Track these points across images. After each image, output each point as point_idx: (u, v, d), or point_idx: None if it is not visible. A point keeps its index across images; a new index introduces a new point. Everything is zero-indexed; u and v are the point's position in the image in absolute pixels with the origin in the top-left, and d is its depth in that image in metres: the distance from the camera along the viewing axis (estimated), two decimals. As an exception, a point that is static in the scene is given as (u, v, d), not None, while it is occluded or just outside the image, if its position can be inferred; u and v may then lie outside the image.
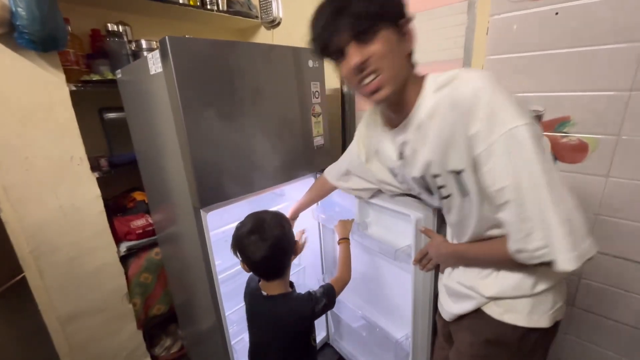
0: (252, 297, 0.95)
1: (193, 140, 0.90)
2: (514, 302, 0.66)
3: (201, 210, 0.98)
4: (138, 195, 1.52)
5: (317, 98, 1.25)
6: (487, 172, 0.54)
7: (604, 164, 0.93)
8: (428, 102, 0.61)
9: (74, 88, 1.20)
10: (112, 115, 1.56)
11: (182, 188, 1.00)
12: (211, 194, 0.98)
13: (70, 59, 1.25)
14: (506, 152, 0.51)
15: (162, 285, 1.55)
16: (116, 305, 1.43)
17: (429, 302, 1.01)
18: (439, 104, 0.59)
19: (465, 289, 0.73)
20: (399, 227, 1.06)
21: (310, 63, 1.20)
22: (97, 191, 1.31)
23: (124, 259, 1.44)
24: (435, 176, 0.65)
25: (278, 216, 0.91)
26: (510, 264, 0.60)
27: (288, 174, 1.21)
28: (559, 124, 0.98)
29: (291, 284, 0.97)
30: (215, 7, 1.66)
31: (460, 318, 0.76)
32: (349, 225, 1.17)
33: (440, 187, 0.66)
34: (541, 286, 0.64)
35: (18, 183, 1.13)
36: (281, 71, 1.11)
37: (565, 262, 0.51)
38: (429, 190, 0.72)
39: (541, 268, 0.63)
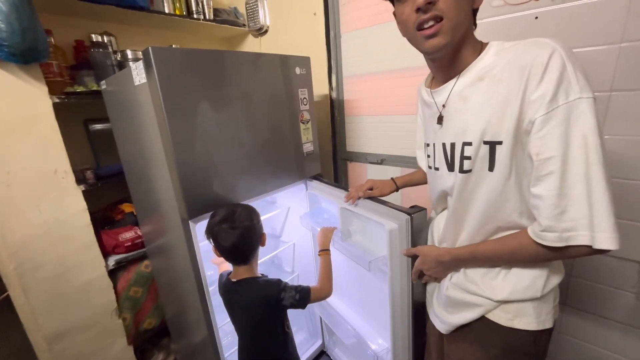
0: (224, 288, 1.01)
1: (179, 150, 0.89)
2: (523, 305, 0.63)
3: (189, 222, 0.97)
4: (126, 207, 1.49)
5: (305, 105, 1.25)
6: (539, 138, 0.52)
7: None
8: (485, 61, 0.59)
9: (57, 100, 1.18)
10: (97, 126, 1.54)
11: (170, 199, 0.99)
12: (199, 204, 0.96)
13: (53, 70, 1.23)
14: (566, 120, 0.49)
15: (152, 299, 1.51)
16: (105, 321, 1.39)
17: (407, 316, 0.96)
18: (498, 64, 0.57)
19: (468, 296, 0.69)
20: (381, 237, 1.00)
21: (298, 70, 1.20)
22: (83, 204, 1.28)
23: (113, 273, 1.40)
24: (467, 144, 0.61)
25: (248, 209, 0.98)
26: (528, 255, 0.58)
27: (277, 181, 1.20)
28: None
29: (263, 275, 1.02)
30: (202, 16, 1.66)
31: (459, 329, 0.72)
32: (330, 234, 1.13)
33: (465, 158, 0.62)
34: (550, 285, 0.63)
35: (1, 199, 1.09)
36: (268, 79, 1.11)
37: (609, 240, 0.49)
38: (450, 164, 0.67)
39: (552, 263, 0.64)
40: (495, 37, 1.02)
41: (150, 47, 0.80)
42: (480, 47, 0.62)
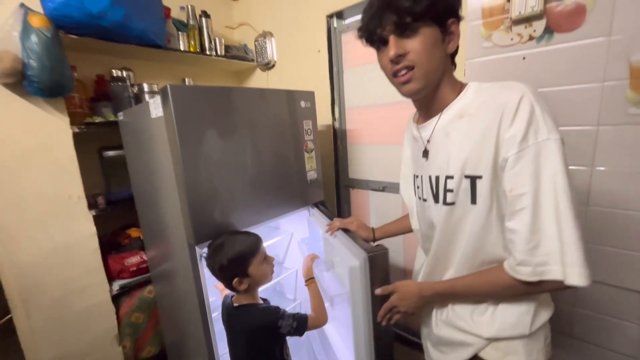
0: (226, 311, 1.02)
1: (190, 178, 0.94)
2: (513, 343, 0.63)
3: (196, 247, 1.00)
4: (133, 232, 1.52)
5: (309, 135, 1.31)
6: (512, 175, 0.55)
7: (581, 194, 0.98)
8: (465, 100, 0.63)
9: (77, 130, 1.26)
10: (110, 153, 1.61)
11: (178, 224, 1.02)
12: (206, 230, 1.00)
13: (75, 102, 1.32)
14: (536, 159, 0.53)
15: (153, 326, 1.50)
16: (105, 347, 1.38)
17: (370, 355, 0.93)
18: (475, 104, 0.61)
19: (459, 334, 0.69)
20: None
21: (303, 103, 1.27)
22: (93, 229, 1.32)
23: (116, 298, 1.41)
24: (449, 177, 0.63)
25: (238, 243, 0.96)
26: (504, 289, 0.59)
27: (282, 208, 1.24)
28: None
29: (265, 300, 1.05)
30: (214, 52, 1.78)
31: None
32: (310, 262, 1.13)
33: (448, 191, 0.64)
34: (538, 322, 0.63)
35: (13, 222, 1.14)
36: (276, 112, 1.18)
37: (578, 276, 0.51)
38: (435, 196, 0.68)
39: (540, 299, 0.64)
40: (487, 74, 1.10)
41: (168, 85, 0.87)
42: (460, 87, 0.66)
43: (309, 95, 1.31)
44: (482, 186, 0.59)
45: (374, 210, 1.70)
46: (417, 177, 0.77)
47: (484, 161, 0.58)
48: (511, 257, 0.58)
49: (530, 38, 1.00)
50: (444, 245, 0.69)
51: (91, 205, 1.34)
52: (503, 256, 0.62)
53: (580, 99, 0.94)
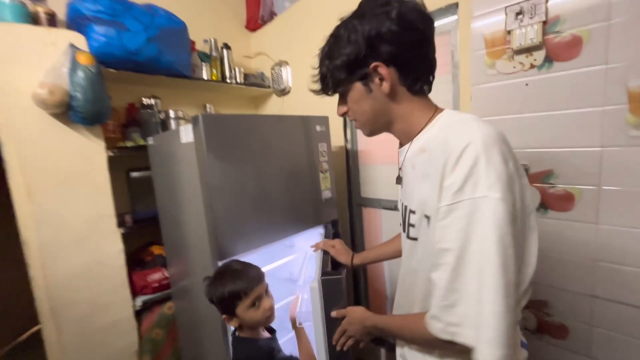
0: (232, 338, 0.99)
1: (216, 198, 1.01)
2: None
3: (219, 262, 1.06)
4: (156, 249, 1.60)
5: (324, 157, 1.39)
6: (442, 227, 0.51)
7: (591, 211, 1.01)
8: (429, 134, 0.59)
9: (111, 154, 1.37)
10: (137, 174, 1.72)
11: (202, 241, 1.09)
12: (229, 247, 1.06)
13: (109, 129, 1.45)
14: (469, 215, 0.48)
15: (171, 343, 1.54)
16: (125, 363, 1.42)
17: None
18: (436, 140, 0.56)
19: None
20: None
21: (318, 128, 1.36)
22: (121, 246, 1.40)
23: (137, 314, 1.46)
24: (412, 212, 0.60)
25: (228, 282, 0.89)
26: (421, 338, 0.56)
27: (298, 225, 1.30)
28: (544, 176, 1.08)
29: (272, 331, 1.00)
30: (234, 80, 1.92)
31: None
32: (294, 306, 1.08)
33: (410, 225, 0.61)
34: None
35: (52, 240, 1.23)
36: (292, 136, 1.27)
37: (489, 356, 0.46)
38: (404, 226, 0.65)
39: None
40: (492, 98, 1.16)
41: (200, 115, 0.97)
42: (433, 113, 0.62)
43: (324, 120, 1.40)
44: (434, 227, 0.55)
45: (386, 228, 1.74)
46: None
47: (433, 204, 0.54)
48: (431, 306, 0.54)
49: (532, 66, 1.07)
50: (407, 279, 0.67)
51: (119, 223, 1.43)
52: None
53: (583, 122, 0.99)
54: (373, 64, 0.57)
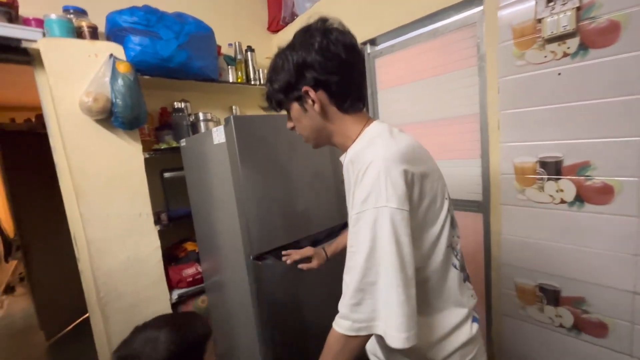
0: None
1: (247, 196, 1.06)
2: None
3: (251, 258, 1.11)
4: (189, 246, 1.68)
5: (348, 154, 1.41)
6: (352, 232, 0.59)
7: (632, 204, 0.97)
8: (357, 147, 0.66)
9: (147, 156, 1.46)
10: (169, 174, 1.82)
11: (234, 238, 1.15)
12: (259, 243, 1.11)
13: (145, 132, 1.54)
14: (372, 222, 0.55)
15: (206, 333, 1.62)
16: (165, 352, 1.51)
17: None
18: (351, 158, 0.66)
19: None
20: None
21: (342, 125, 1.38)
22: (158, 242, 1.49)
23: (174, 306, 1.55)
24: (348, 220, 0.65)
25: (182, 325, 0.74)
26: (335, 343, 0.60)
27: (323, 222, 1.33)
28: (580, 168, 1.04)
29: None
30: (258, 82, 1.97)
31: None
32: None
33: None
34: None
35: (99, 237, 1.33)
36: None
37: (397, 340, 0.54)
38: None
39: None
40: (521, 90, 1.13)
41: (231, 117, 1.02)
42: (364, 125, 0.68)
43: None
44: None
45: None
46: None
47: (350, 212, 0.64)
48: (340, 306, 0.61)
49: (565, 55, 1.03)
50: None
51: (156, 221, 1.52)
52: None
53: (622, 110, 0.95)
54: (304, 89, 0.64)
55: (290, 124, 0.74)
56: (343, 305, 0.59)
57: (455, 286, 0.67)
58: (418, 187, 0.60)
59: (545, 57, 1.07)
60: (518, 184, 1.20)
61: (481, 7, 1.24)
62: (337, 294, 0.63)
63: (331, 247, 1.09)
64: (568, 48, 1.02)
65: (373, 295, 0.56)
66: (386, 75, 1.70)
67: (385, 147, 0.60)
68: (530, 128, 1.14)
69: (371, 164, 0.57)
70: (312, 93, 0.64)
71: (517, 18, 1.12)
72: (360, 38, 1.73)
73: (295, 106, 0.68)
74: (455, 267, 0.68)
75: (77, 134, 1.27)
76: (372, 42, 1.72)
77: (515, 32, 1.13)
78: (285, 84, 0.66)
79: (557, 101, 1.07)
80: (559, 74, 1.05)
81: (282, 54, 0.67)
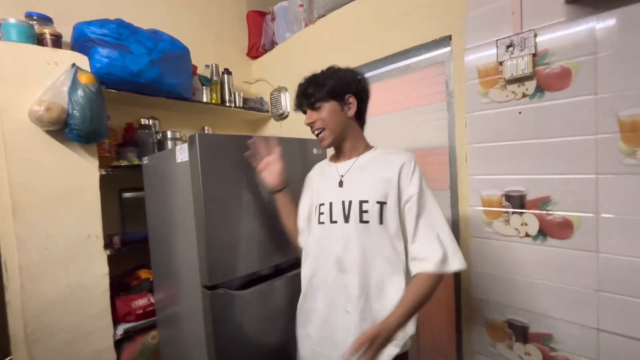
0: None
1: (209, 220, 0.99)
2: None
3: (209, 290, 1.00)
4: (143, 273, 1.53)
5: (321, 180, 1.38)
6: (417, 200, 0.83)
7: (591, 240, 1.00)
8: (375, 154, 0.93)
9: (104, 172, 1.35)
10: (129, 194, 1.69)
11: (193, 266, 1.05)
12: (218, 271, 1.02)
13: (105, 148, 1.43)
14: (431, 193, 0.86)
15: (153, 376, 1.43)
16: (102, 399, 1.30)
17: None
18: (381, 157, 0.91)
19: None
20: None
21: (315, 151, 1.36)
22: (106, 269, 1.34)
23: (118, 344, 1.37)
24: (364, 202, 0.85)
25: None
26: (434, 290, 0.81)
27: (288, 251, 1.25)
28: (542, 202, 1.08)
29: None
30: (233, 104, 1.95)
31: None
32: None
33: (363, 212, 0.85)
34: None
35: (35, 261, 1.17)
36: (289, 158, 1.26)
37: (459, 264, 0.81)
38: (347, 217, 0.87)
39: None
40: (486, 125, 1.18)
41: (197, 134, 0.97)
42: (367, 144, 0.97)
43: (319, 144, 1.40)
44: (388, 210, 0.84)
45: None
46: (322, 204, 0.93)
47: (391, 195, 0.84)
48: (428, 261, 0.80)
49: (524, 95, 1.10)
50: (363, 260, 0.84)
51: (107, 244, 1.37)
52: (386, 268, 0.84)
53: (577, 149, 1.00)
54: (348, 95, 0.90)
55: (311, 119, 0.92)
56: (450, 246, 0.81)
57: None
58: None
59: (507, 96, 1.13)
60: (485, 217, 1.22)
61: (449, 48, 1.32)
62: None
63: (287, 197, 1.05)
64: (527, 89, 1.09)
65: (444, 239, 0.82)
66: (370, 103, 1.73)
67: (411, 154, 0.90)
68: (496, 162, 1.18)
69: (408, 161, 0.86)
70: (352, 99, 0.91)
71: (481, 60, 1.19)
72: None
73: (333, 104, 0.89)
74: None
75: (22, 144, 1.15)
76: (349, 73, 1.77)
77: (480, 72, 1.20)
78: (336, 86, 0.89)
79: (519, 137, 1.12)
80: (520, 112, 1.11)
81: (336, 70, 0.93)
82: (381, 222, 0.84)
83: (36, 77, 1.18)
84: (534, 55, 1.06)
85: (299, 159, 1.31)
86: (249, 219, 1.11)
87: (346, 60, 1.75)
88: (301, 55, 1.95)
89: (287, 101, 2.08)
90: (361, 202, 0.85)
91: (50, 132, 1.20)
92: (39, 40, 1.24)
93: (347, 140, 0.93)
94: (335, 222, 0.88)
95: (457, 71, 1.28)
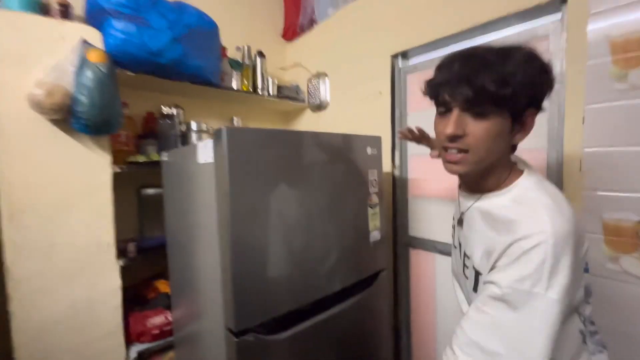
0: None
1: (238, 243, 0.74)
2: None
3: (235, 338, 0.76)
4: (162, 286, 1.34)
5: (374, 187, 1.10)
6: (489, 298, 0.52)
7: None
8: (501, 202, 0.58)
9: (118, 170, 1.15)
10: (149, 191, 1.49)
11: (215, 300, 0.81)
12: (250, 314, 0.77)
13: (121, 140, 1.24)
14: (523, 304, 0.49)
15: (170, 404, 1.24)
16: None
17: None
18: (504, 211, 0.56)
19: None
20: None
21: (369, 150, 1.08)
22: (118, 282, 1.15)
23: (132, 367, 1.19)
24: (467, 256, 0.65)
25: None
26: None
27: (341, 278, 0.99)
28: None
29: None
30: (266, 92, 1.70)
31: None
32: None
33: (465, 267, 0.66)
34: None
35: (37, 273, 1.00)
36: (336, 159, 0.99)
37: None
38: (461, 263, 0.69)
39: None
40: (621, 121, 0.83)
41: (224, 128, 0.72)
42: (509, 173, 0.59)
43: (376, 141, 1.12)
44: (481, 282, 0.58)
45: (440, 277, 1.39)
46: (453, 236, 0.76)
47: (484, 267, 0.57)
48: None
49: (695, 78, 0.74)
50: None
51: (120, 252, 1.19)
52: None
53: None
54: (530, 108, 0.54)
55: (459, 129, 0.53)
56: None
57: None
58: (579, 277, 0.52)
59: (664, 80, 0.78)
60: (609, 249, 0.88)
61: (559, 15, 0.97)
62: None
63: None
64: (701, 70, 0.74)
65: None
66: (419, 94, 1.41)
67: (555, 226, 0.49)
68: (631, 174, 0.84)
69: (538, 246, 0.48)
70: (531, 119, 0.55)
71: (617, 28, 0.84)
72: (389, 50, 1.47)
73: (503, 120, 0.53)
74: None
75: (21, 136, 0.96)
76: (404, 55, 1.46)
77: (614, 46, 0.85)
78: (522, 90, 0.50)
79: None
80: (685, 104, 0.76)
81: (527, 54, 0.52)
82: (475, 289, 0.62)
83: (39, 55, 0.98)
84: None
85: (349, 162, 1.03)
86: (288, 233, 0.86)
87: (403, 39, 1.45)
88: (347, 36, 1.66)
89: (327, 90, 1.79)
90: (465, 257, 0.66)
91: (54, 122, 1.00)
92: (44, 10, 1.05)
93: (491, 173, 0.59)
94: (455, 247, 0.75)
95: (572, 47, 0.93)
